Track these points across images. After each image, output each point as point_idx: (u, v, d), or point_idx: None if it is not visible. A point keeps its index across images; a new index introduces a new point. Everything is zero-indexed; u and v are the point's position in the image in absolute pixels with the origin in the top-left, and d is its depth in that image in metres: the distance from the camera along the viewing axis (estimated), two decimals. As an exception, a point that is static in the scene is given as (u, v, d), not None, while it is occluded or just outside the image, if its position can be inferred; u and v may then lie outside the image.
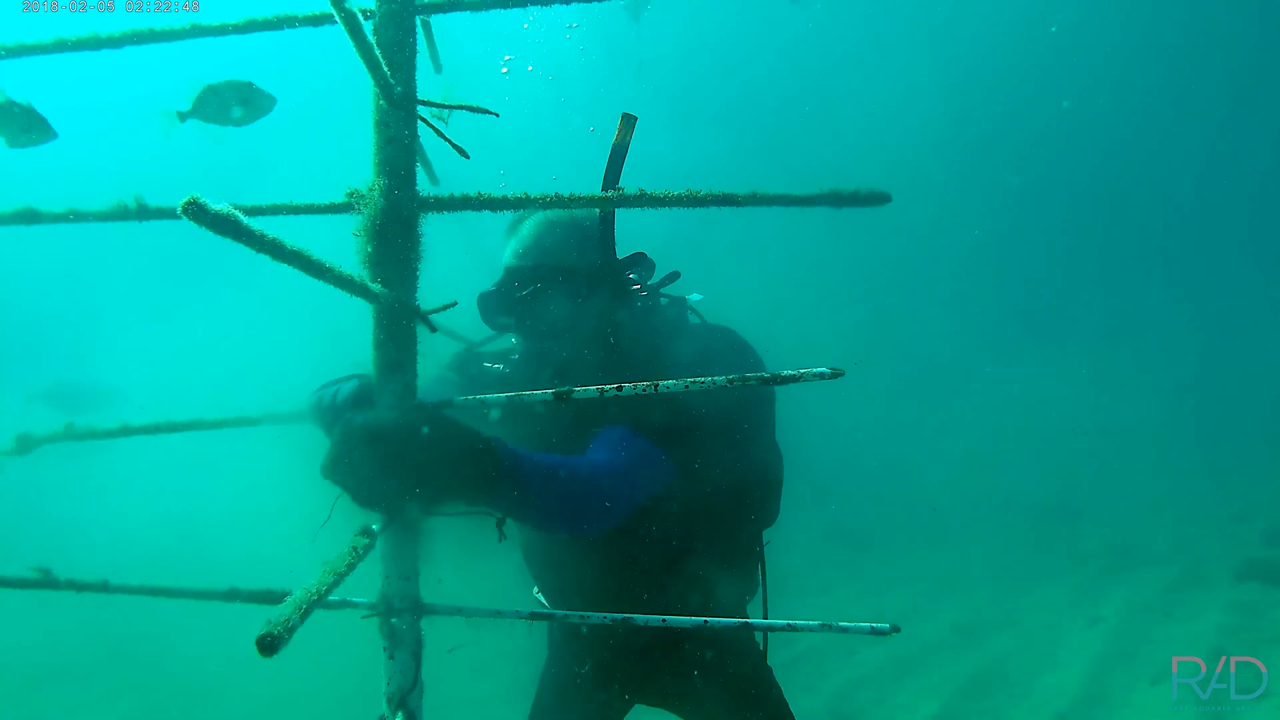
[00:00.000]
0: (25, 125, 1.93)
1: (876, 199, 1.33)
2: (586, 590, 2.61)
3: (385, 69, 1.39)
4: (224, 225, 0.96)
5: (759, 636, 2.84)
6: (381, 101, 1.51)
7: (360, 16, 1.25)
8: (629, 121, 2.03)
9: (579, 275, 2.42)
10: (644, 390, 1.38)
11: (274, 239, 1.05)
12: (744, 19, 26.42)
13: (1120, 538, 12.80)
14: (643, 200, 1.44)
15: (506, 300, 2.45)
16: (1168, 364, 28.06)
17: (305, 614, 1.16)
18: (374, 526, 1.53)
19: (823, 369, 1.28)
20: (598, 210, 2.39)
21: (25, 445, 1.83)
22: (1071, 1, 24.94)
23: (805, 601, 10.55)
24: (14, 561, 1.75)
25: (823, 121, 27.82)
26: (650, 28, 24.01)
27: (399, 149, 1.53)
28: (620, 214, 2.41)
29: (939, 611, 10.01)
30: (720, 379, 1.38)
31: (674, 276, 2.73)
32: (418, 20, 1.58)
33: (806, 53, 27.48)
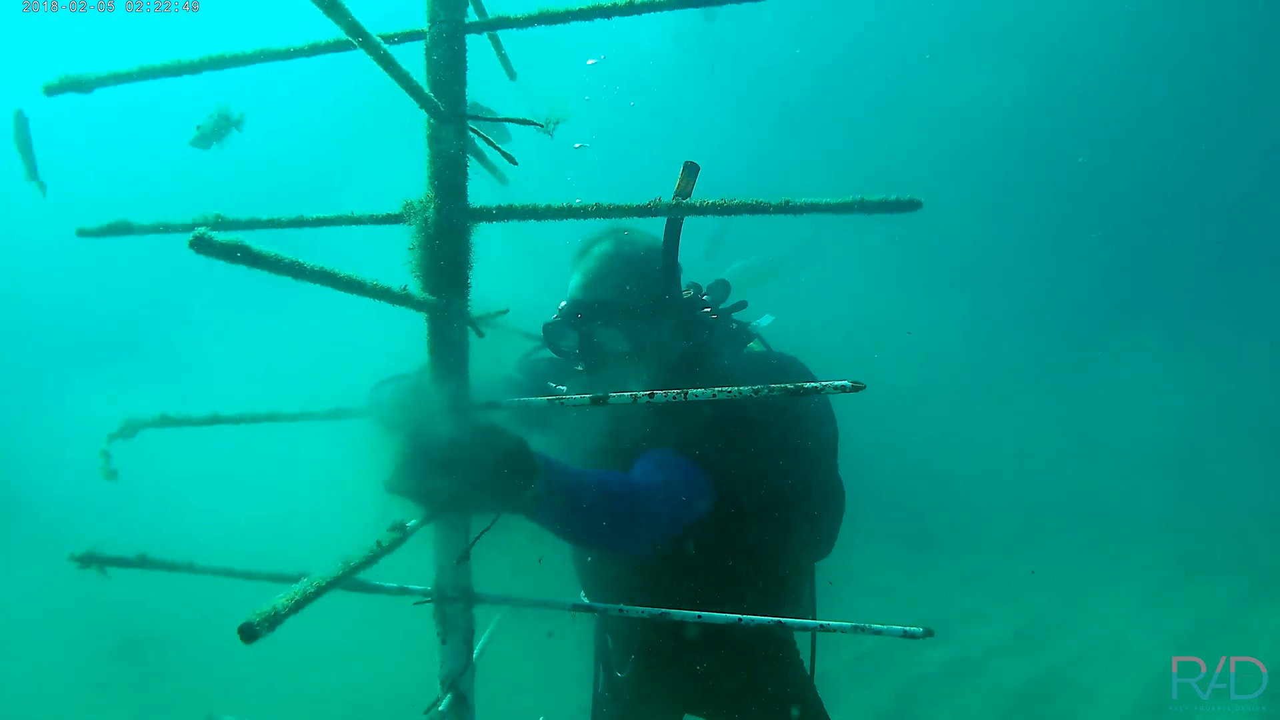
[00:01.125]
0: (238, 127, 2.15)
1: (907, 206, 1.35)
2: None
3: (436, 87, 1.46)
4: (234, 255, 0.97)
5: (805, 657, 2.88)
6: (432, 119, 1.59)
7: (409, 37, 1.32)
8: (691, 170, 1.88)
9: (640, 310, 2.47)
10: (674, 398, 1.43)
11: (292, 261, 1.06)
12: (816, 21, 26.13)
13: (1189, 546, 12.46)
14: (679, 209, 1.49)
15: (569, 332, 2.52)
16: (1240, 368, 27.00)
17: (297, 608, 1.15)
18: (409, 523, 1.58)
19: (844, 381, 1.32)
20: (662, 243, 2.44)
21: (130, 429, 1.97)
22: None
23: (867, 602, 10.49)
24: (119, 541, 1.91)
25: (894, 119, 27.40)
26: (724, 29, 23.93)
27: (449, 163, 1.59)
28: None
29: (1001, 615, 9.86)
30: (747, 389, 1.42)
31: (741, 305, 2.80)
32: (486, 35, 1.64)
33: (877, 53, 27.08)
